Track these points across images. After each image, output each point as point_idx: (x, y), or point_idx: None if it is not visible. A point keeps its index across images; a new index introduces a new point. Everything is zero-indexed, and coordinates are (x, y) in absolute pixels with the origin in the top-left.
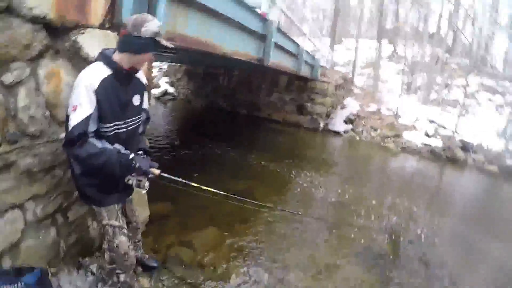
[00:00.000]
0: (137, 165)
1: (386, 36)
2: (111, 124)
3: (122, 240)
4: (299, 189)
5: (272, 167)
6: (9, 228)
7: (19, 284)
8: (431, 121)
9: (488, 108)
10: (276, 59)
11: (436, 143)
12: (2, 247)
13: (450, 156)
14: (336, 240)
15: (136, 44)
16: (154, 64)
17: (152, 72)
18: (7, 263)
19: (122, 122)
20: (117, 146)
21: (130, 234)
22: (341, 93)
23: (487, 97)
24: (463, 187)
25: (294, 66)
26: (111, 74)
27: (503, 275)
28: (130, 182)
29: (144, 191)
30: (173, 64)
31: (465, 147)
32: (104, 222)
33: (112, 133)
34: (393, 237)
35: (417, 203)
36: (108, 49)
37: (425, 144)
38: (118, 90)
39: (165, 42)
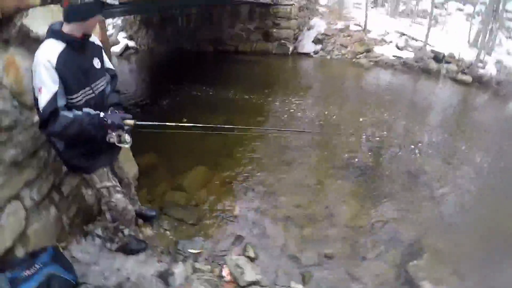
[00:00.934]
0: (109, 121)
1: None
2: (79, 94)
3: (118, 198)
4: (279, 115)
5: (249, 98)
6: (13, 220)
7: (37, 266)
8: (401, 34)
9: (458, 18)
10: None
11: (408, 55)
12: (12, 239)
13: (423, 67)
14: (322, 158)
15: (81, 11)
16: (108, 21)
17: (106, 33)
18: (20, 252)
19: (88, 88)
20: (86, 109)
21: (124, 191)
22: (306, 13)
23: (456, 7)
24: (439, 97)
25: None
26: (65, 47)
27: (482, 179)
28: (112, 140)
29: (127, 145)
30: (127, 17)
31: (437, 57)
32: (98, 186)
33: (82, 101)
34: (376, 150)
35: (396, 115)
36: (54, 23)
37: (397, 57)
38: (77, 59)
39: (110, 1)
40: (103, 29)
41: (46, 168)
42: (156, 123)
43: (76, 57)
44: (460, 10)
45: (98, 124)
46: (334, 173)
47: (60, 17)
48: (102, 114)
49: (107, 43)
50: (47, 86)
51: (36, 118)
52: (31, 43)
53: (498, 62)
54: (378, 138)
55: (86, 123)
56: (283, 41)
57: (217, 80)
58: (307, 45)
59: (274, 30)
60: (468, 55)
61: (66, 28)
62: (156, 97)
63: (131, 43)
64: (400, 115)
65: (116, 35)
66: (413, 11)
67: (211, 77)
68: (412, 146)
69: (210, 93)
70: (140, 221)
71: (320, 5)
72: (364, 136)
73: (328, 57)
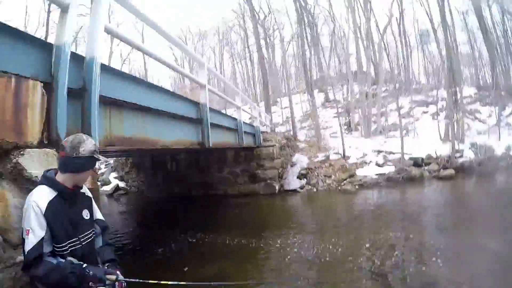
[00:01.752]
0: (91, 273)
1: (315, 87)
2: (65, 243)
3: None
4: (273, 258)
5: (240, 242)
6: None
7: None
8: (378, 151)
9: (426, 120)
10: (217, 139)
11: (389, 169)
12: None
13: (406, 177)
14: None
15: (76, 164)
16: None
17: (97, 181)
18: None
19: (76, 239)
20: (70, 258)
21: None
22: (287, 151)
23: (421, 111)
24: (430, 200)
25: (236, 139)
26: (56, 196)
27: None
28: None
29: None
30: (119, 158)
31: (417, 163)
32: None
33: (67, 251)
34: (389, 272)
35: (394, 233)
36: (49, 170)
37: (379, 174)
38: (66, 210)
39: (102, 158)
40: (94, 177)
41: None
42: (137, 279)
43: (65, 207)
44: (425, 112)
45: (80, 274)
46: None
47: (54, 162)
48: (85, 265)
49: (98, 191)
50: (34, 231)
51: (20, 258)
52: (23, 181)
53: (473, 145)
54: (381, 264)
55: (68, 271)
56: (269, 181)
57: (210, 225)
58: (293, 182)
59: (259, 171)
60: (444, 150)
61: (60, 178)
62: (150, 243)
63: (122, 184)
64: (398, 231)
65: (108, 175)
66: (384, 128)
67: (203, 223)
68: (420, 264)
69: (204, 239)
70: None
71: (299, 141)
72: (365, 266)
73: (314, 189)
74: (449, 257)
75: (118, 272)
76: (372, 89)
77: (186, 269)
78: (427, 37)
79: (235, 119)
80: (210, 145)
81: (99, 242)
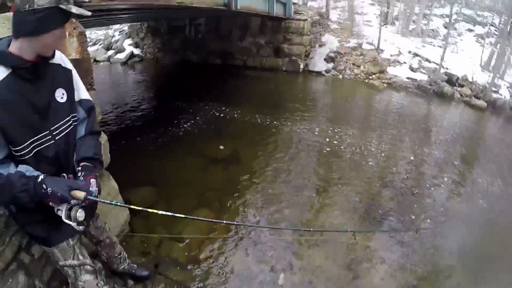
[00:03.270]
0: (49, 189)
1: None
2: (27, 143)
3: (87, 280)
4: (287, 142)
5: (256, 120)
6: None
7: None
8: (415, 54)
9: (469, 38)
10: (245, 2)
11: (422, 77)
12: None
13: (437, 91)
14: (330, 196)
15: (31, 21)
16: (115, 27)
17: (87, 49)
18: None
19: (45, 133)
20: (21, 168)
21: (96, 267)
22: (318, 30)
23: (467, 27)
24: (456, 124)
25: (266, 6)
26: (9, 75)
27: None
28: (60, 213)
29: (78, 227)
30: (134, 24)
31: (451, 80)
32: (61, 263)
33: (32, 153)
34: (384, 181)
35: (410, 143)
36: (1, 40)
37: (410, 79)
38: (28, 92)
39: (76, 10)
40: (84, 43)
41: (8, 229)
42: (119, 203)
43: (26, 88)
44: (471, 30)
45: (35, 192)
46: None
47: None
48: (41, 177)
49: (89, 62)
50: None
51: None
52: None
53: None
54: (389, 166)
55: (18, 189)
56: (294, 58)
57: (225, 98)
58: (319, 63)
59: (285, 46)
60: (481, 78)
61: (14, 47)
62: (170, 116)
63: (137, 51)
64: (415, 142)
65: (122, 42)
66: (423, 31)
67: (219, 95)
68: (422, 175)
69: (219, 113)
70: (131, 282)
71: (331, 21)
72: (373, 165)
73: (340, 76)
74: (448, 181)
75: (92, 180)
76: None
77: (222, 147)
78: None
79: None
80: (238, 8)
81: (81, 131)
